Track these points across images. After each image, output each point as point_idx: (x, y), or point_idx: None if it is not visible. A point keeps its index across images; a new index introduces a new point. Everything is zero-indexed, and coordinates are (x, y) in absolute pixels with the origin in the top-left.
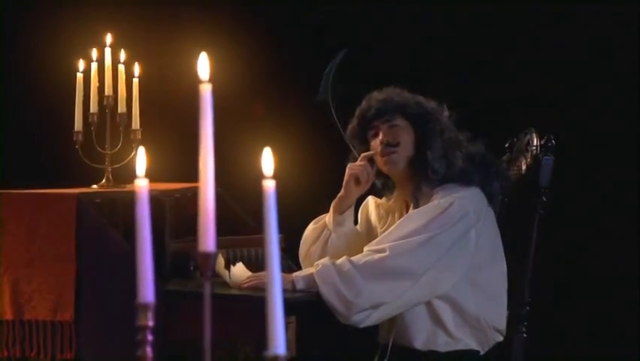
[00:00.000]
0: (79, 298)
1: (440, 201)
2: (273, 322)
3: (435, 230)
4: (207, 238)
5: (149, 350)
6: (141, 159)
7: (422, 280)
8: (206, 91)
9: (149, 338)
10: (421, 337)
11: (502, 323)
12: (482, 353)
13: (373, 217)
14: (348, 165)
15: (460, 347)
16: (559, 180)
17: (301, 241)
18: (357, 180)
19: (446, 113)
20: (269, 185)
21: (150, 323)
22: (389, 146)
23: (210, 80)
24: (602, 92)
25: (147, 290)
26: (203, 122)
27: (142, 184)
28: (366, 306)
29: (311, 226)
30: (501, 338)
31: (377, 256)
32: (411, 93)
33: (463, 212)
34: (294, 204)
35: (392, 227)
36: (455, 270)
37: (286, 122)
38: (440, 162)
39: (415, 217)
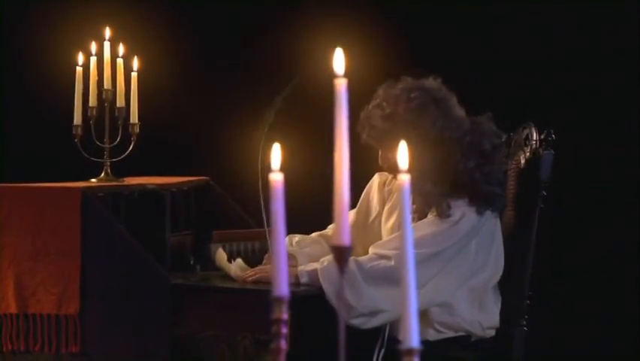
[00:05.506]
0: (84, 292)
1: (452, 213)
2: (408, 317)
3: (442, 245)
4: (342, 232)
5: (283, 343)
6: (276, 154)
7: (422, 291)
8: (341, 86)
9: (284, 330)
10: None
11: (495, 322)
12: (473, 339)
13: (375, 200)
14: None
15: (451, 334)
16: (558, 174)
17: None
18: None
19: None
20: (404, 179)
21: (285, 316)
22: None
23: (346, 75)
24: (601, 86)
25: (282, 283)
26: (338, 117)
27: (277, 178)
28: (365, 311)
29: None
30: (493, 333)
31: (382, 263)
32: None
33: (470, 225)
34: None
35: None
36: (455, 279)
37: None
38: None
39: (424, 225)
